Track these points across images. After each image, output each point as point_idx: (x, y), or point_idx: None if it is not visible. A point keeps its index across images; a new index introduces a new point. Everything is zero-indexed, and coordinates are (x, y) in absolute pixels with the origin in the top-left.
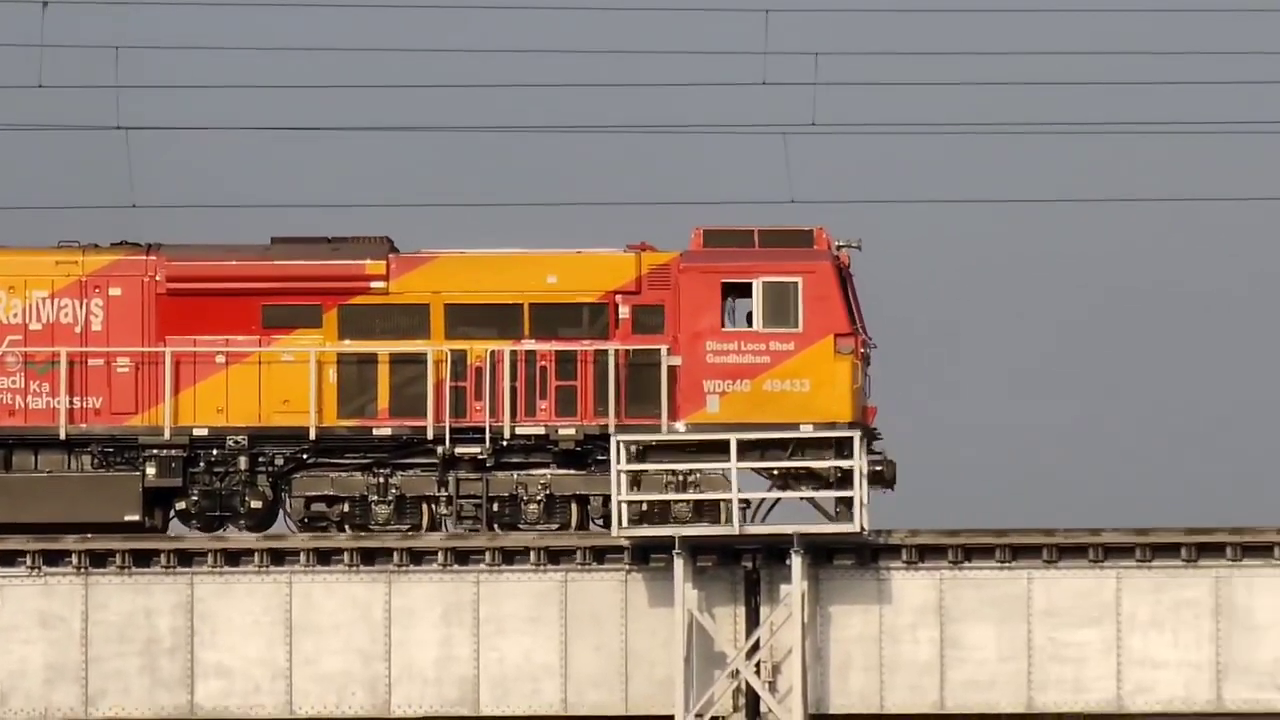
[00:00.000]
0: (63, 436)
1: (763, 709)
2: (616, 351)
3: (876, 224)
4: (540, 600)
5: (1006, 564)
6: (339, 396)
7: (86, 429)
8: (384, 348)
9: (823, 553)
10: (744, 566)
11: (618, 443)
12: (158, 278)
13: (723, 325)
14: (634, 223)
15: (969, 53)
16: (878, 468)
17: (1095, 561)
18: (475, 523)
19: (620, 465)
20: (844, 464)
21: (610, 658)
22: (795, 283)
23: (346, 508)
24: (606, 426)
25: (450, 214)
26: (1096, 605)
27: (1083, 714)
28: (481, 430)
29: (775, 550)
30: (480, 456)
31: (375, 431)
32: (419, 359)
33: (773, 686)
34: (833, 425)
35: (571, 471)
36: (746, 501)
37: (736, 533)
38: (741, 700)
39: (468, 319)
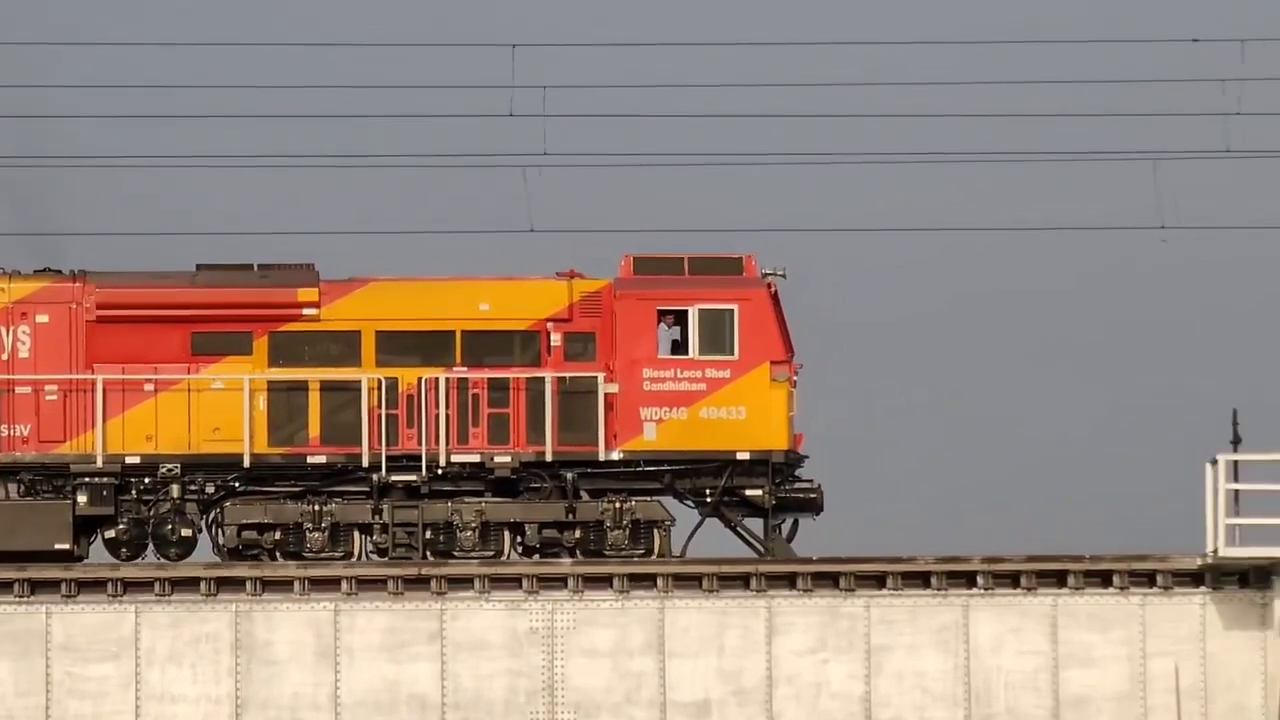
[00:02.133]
0: None
1: None
2: (552, 379)
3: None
4: None
5: None
6: (269, 424)
7: (16, 457)
8: (315, 375)
9: None
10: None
11: None
12: (86, 305)
13: (658, 353)
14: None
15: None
16: (812, 495)
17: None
18: (409, 550)
19: None
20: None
21: None
22: (731, 310)
23: (278, 535)
24: (542, 454)
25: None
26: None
27: None
28: (414, 458)
29: None
30: (416, 484)
31: (309, 459)
32: (350, 386)
33: None
34: (768, 453)
35: (508, 500)
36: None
37: None
38: None
39: (399, 346)
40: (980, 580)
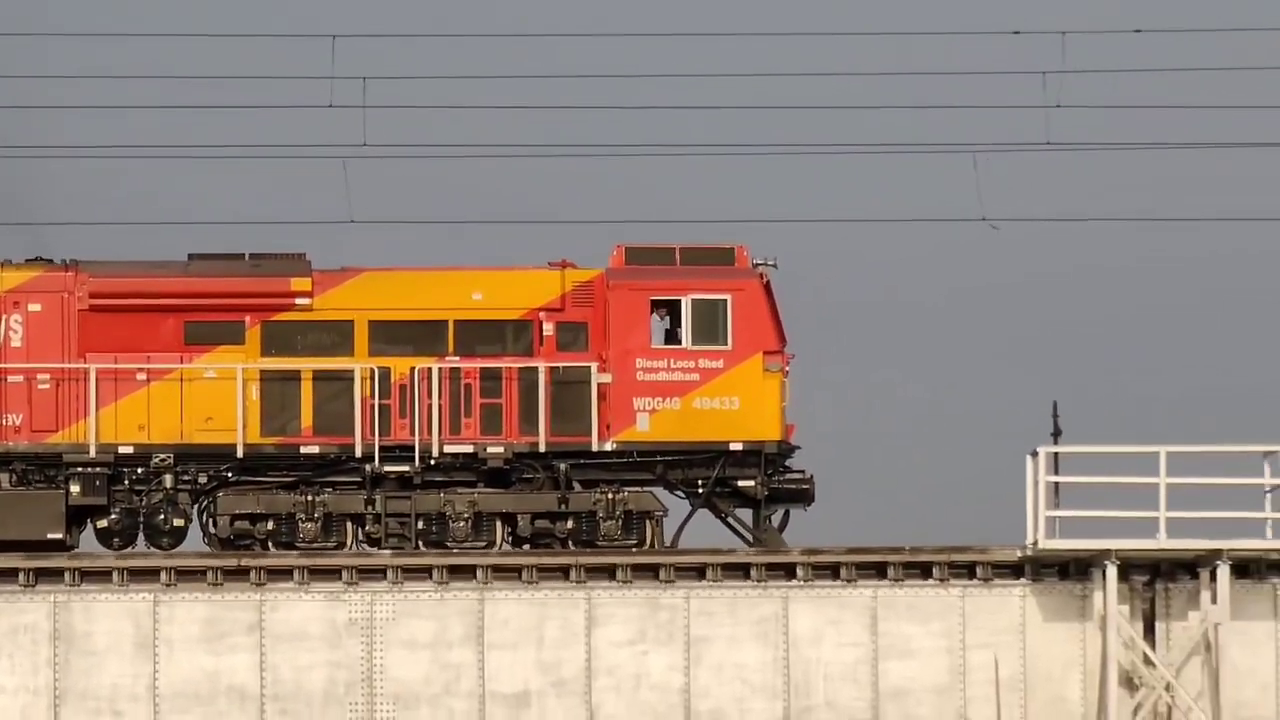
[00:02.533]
0: None
1: None
2: (545, 369)
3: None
4: None
5: None
6: (262, 414)
7: (9, 446)
8: (308, 365)
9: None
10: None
11: None
12: (79, 294)
13: (651, 343)
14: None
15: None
16: (804, 486)
17: None
18: (403, 541)
19: None
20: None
21: None
22: (725, 300)
23: (271, 525)
24: (535, 445)
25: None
26: None
27: None
28: (406, 448)
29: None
30: (409, 474)
31: (302, 449)
32: (343, 376)
33: None
34: (761, 443)
35: (500, 490)
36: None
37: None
38: None
39: (392, 336)
40: (800, 572)
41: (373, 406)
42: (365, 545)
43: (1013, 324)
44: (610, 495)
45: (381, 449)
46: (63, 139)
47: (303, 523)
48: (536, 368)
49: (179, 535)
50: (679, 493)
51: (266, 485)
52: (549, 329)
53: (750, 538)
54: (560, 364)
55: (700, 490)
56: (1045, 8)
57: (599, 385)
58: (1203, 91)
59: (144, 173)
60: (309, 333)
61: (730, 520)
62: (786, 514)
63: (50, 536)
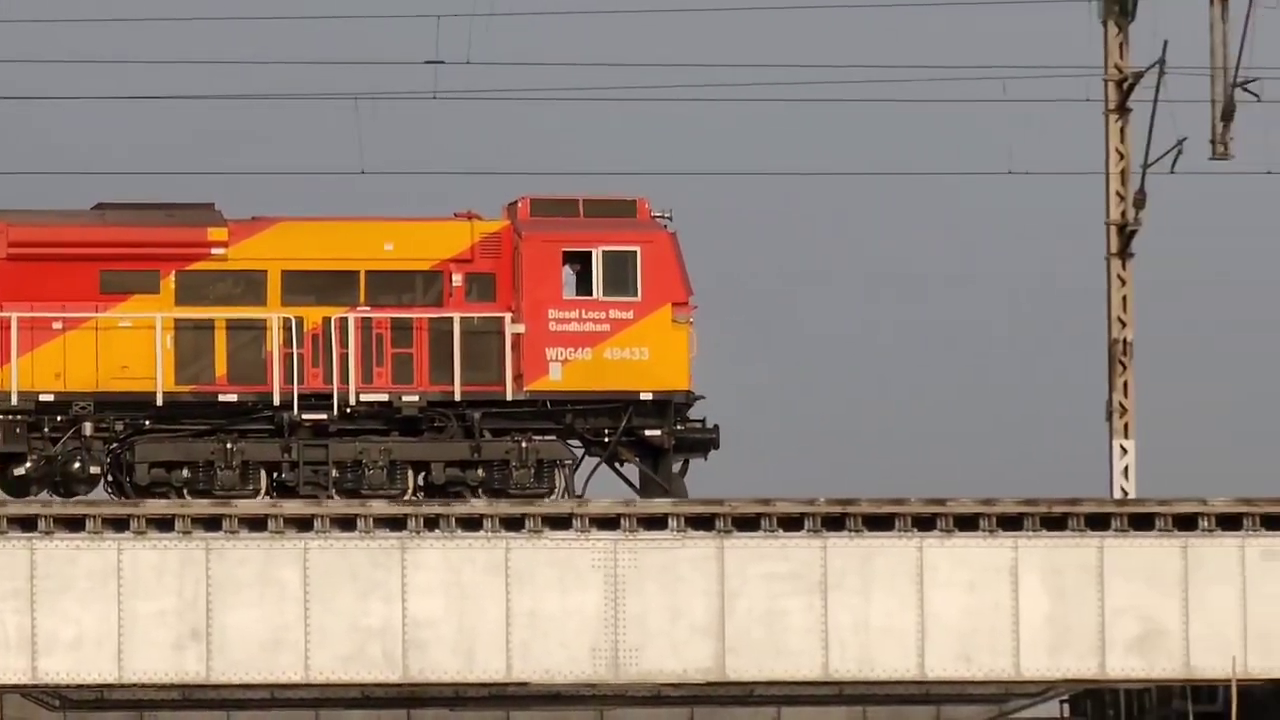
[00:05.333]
0: None
1: None
2: (459, 319)
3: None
4: None
5: None
6: (176, 362)
7: None
8: (221, 314)
9: None
10: None
11: None
12: None
13: (563, 294)
14: None
15: None
16: (710, 434)
17: None
18: (318, 489)
19: None
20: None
21: None
22: (634, 251)
23: (186, 473)
24: (450, 394)
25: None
26: None
27: None
28: (321, 396)
29: None
30: (325, 423)
31: (220, 397)
32: (257, 325)
33: None
34: (671, 393)
35: (415, 439)
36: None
37: None
38: None
39: (305, 286)
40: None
41: (287, 355)
42: (276, 494)
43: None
44: (523, 444)
45: (298, 397)
46: None
47: (221, 470)
48: (450, 318)
49: (94, 483)
50: (575, 443)
51: (182, 433)
52: (458, 280)
53: (664, 487)
54: (474, 314)
55: (606, 440)
56: None
57: (512, 335)
58: None
59: None
60: (223, 282)
61: (644, 470)
62: (686, 463)
63: None
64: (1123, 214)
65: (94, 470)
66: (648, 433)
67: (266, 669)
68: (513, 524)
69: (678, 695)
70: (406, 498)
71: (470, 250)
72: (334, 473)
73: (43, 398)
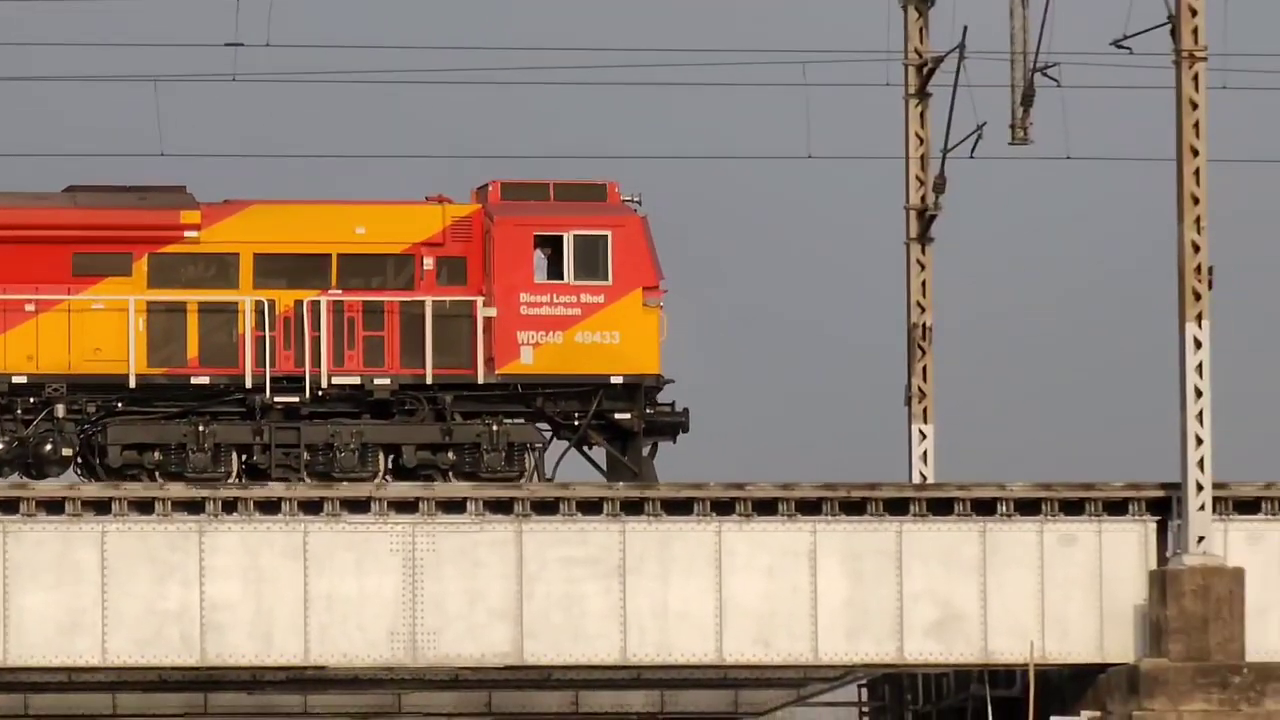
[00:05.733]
0: None
1: None
2: (431, 302)
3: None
4: None
5: None
6: (149, 345)
7: None
8: (193, 297)
9: None
10: None
11: None
12: None
13: (535, 278)
14: None
15: None
16: (679, 417)
17: None
18: (289, 471)
19: None
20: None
21: None
22: (605, 236)
23: (159, 455)
24: (421, 377)
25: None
26: None
27: None
28: (293, 379)
29: None
30: (297, 405)
31: (192, 380)
32: (229, 308)
33: None
34: (641, 377)
35: (386, 422)
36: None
37: None
38: None
39: (276, 269)
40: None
41: (259, 338)
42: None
43: None
44: (494, 427)
45: (270, 380)
46: None
47: (193, 453)
48: (421, 301)
49: (66, 464)
50: (544, 426)
51: (154, 415)
52: (429, 263)
53: (632, 470)
54: (446, 298)
55: (576, 423)
56: None
57: (484, 319)
58: None
59: None
60: (195, 265)
61: (611, 452)
62: (655, 446)
63: None
64: (922, 198)
65: (66, 452)
66: (618, 416)
67: (63, 652)
68: (311, 507)
69: (476, 679)
70: (381, 480)
71: (441, 234)
72: (305, 455)
73: (15, 380)
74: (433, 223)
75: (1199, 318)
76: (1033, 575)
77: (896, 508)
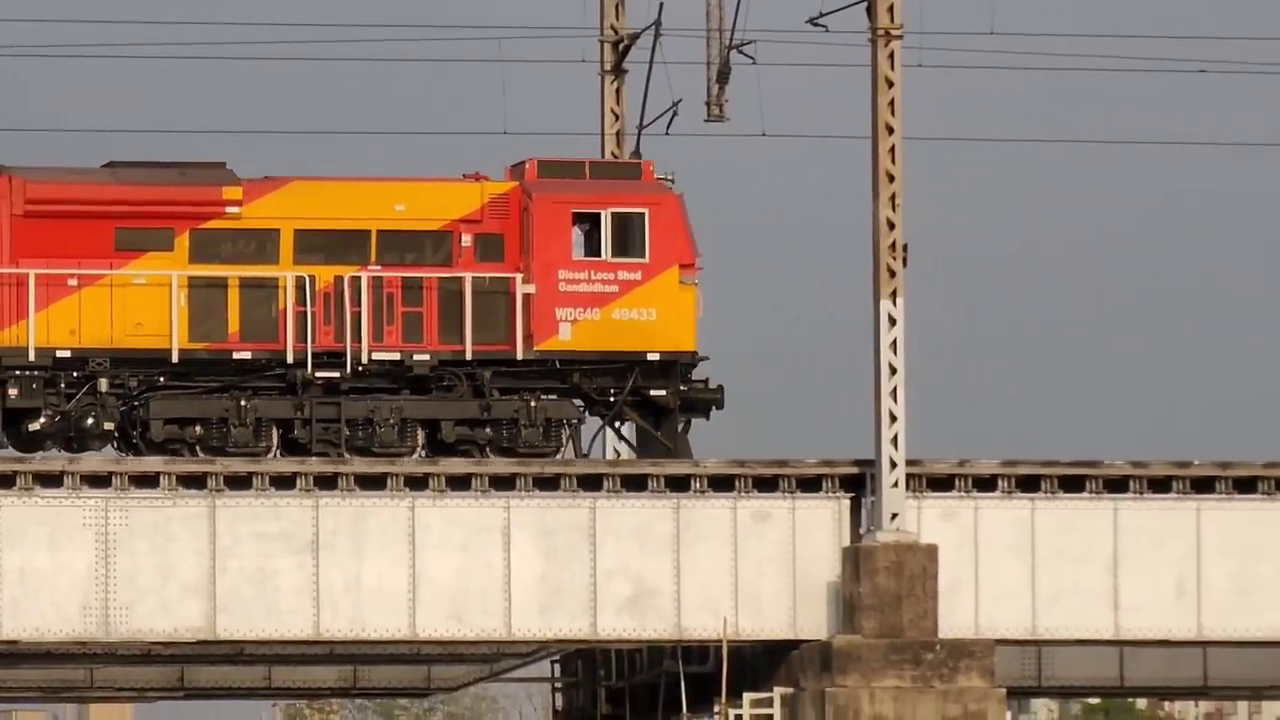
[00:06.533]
0: None
1: None
2: (471, 279)
3: None
4: None
5: None
6: (190, 320)
7: None
8: (235, 272)
9: None
10: None
11: None
12: (14, 200)
13: (573, 255)
14: None
15: None
16: (715, 394)
17: None
18: (330, 446)
19: None
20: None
21: None
22: (643, 213)
23: (200, 430)
24: (461, 353)
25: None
26: None
27: None
28: (333, 354)
29: None
30: (338, 380)
31: (234, 355)
32: (269, 284)
33: None
34: (677, 354)
35: (426, 398)
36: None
37: None
38: None
39: (317, 245)
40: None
41: (300, 314)
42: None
43: None
44: (531, 403)
45: (311, 355)
46: None
47: (234, 428)
48: (461, 277)
49: (108, 439)
50: (577, 401)
51: (196, 390)
52: (467, 240)
53: (668, 446)
54: (485, 274)
55: (612, 399)
56: None
57: (523, 295)
58: None
59: None
60: (237, 241)
61: (646, 430)
62: (688, 423)
63: None
64: None
65: (108, 426)
66: (653, 393)
67: None
68: (4, 481)
69: (169, 654)
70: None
71: (479, 211)
72: (345, 431)
73: (59, 354)
74: (471, 200)
75: (893, 294)
76: (726, 552)
77: (590, 484)
